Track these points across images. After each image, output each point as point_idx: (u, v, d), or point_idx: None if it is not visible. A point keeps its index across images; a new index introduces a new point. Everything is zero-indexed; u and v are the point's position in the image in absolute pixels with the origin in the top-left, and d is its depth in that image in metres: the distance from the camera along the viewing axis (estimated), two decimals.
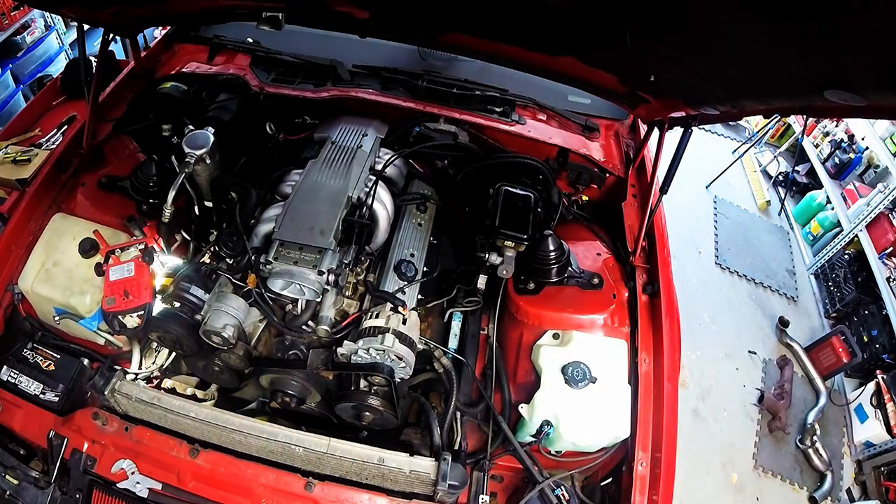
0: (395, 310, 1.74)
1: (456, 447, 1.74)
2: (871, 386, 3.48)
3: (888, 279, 3.70)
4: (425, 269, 1.98)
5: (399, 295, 1.79)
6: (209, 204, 2.07)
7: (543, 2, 1.40)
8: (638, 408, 1.72)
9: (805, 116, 4.41)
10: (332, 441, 1.62)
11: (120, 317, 1.75)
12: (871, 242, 3.93)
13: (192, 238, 2.06)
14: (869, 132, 4.28)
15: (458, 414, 1.78)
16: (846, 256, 4.26)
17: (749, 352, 3.92)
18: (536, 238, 1.91)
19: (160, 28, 3.22)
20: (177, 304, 1.78)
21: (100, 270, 1.79)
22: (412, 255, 1.95)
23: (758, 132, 5.44)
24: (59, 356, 1.81)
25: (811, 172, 5.03)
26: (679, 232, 4.42)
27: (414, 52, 2.49)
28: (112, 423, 1.66)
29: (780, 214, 5.10)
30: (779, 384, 3.72)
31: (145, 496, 1.60)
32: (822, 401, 3.62)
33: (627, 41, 1.40)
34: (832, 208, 4.50)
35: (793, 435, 3.51)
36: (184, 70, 2.37)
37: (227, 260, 1.83)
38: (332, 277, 1.69)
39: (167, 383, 1.99)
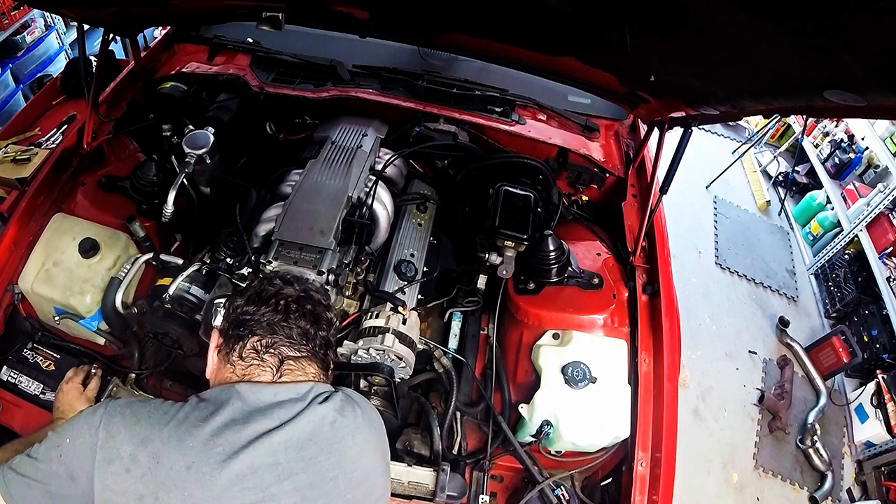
0: (395, 310, 1.74)
1: (456, 447, 1.75)
2: (871, 386, 3.47)
3: (888, 279, 3.69)
4: (425, 269, 1.98)
5: (399, 295, 1.79)
6: (209, 204, 2.08)
7: (543, 2, 1.40)
8: (638, 408, 1.72)
9: (805, 116, 4.40)
10: None
11: None
12: (871, 242, 3.92)
13: (192, 238, 2.06)
14: (869, 132, 4.27)
15: (458, 414, 1.78)
16: (846, 256, 4.26)
17: (749, 352, 3.92)
18: (536, 238, 1.91)
19: (160, 28, 3.22)
20: (177, 305, 1.78)
21: None
22: (412, 255, 1.95)
23: (758, 132, 5.43)
24: (59, 356, 1.81)
25: (811, 172, 5.03)
26: (679, 232, 4.42)
27: (414, 52, 2.49)
28: None
29: (780, 214, 5.10)
30: (779, 384, 3.71)
31: None
32: (823, 401, 3.61)
33: (627, 41, 1.40)
34: (832, 208, 4.50)
35: (793, 435, 3.50)
36: (184, 70, 2.36)
37: (227, 260, 1.83)
38: (331, 277, 1.69)
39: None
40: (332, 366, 1.21)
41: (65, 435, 0.99)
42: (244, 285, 1.72)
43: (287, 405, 1.04)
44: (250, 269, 1.76)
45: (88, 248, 1.80)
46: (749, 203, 5.20)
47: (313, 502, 1.00)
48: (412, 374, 1.75)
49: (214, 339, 1.18)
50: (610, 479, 1.80)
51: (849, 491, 3.34)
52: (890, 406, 3.28)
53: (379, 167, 2.07)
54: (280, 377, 1.09)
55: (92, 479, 0.94)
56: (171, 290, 1.72)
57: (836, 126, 4.84)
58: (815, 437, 3.41)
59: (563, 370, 1.70)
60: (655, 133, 2.02)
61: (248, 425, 0.99)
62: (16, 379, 1.77)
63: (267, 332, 1.10)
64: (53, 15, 4.32)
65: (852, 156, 4.55)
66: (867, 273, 3.95)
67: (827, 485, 3.28)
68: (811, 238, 4.67)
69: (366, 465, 1.09)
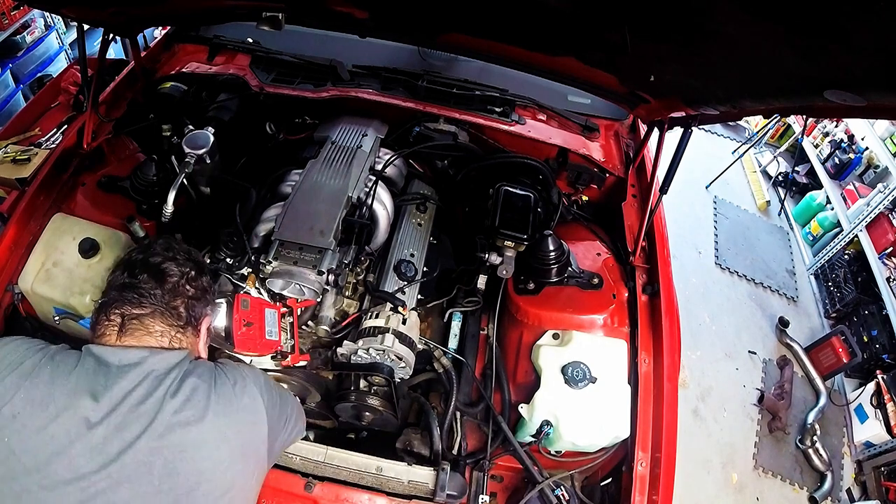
0: (394, 310, 1.74)
1: (456, 447, 1.75)
2: (871, 386, 3.47)
3: (888, 279, 3.70)
4: (425, 269, 1.98)
5: (399, 295, 1.79)
6: (209, 204, 2.08)
7: (543, 2, 1.40)
8: (638, 408, 1.72)
9: (805, 116, 4.41)
10: (329, 450, 1.62)
11: None
12: (871, 242, 3.93)
13: (192, 238, 2.06)
14: (869, 132, 4.27)
15: (458, 414, 1.78)
16: (846, 256, 4.26)
17: (749, 352, 3.92)
18: (536, 238, 1.91)
19: (160, 28, 3.22)
20: None
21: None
22: (412, 255, 1.96)
23: (758, 132, 5.43)
24: None
25: (811, 172, 5.03)
26: (679, 232, 4.42)
27: (414, 52, 2.49)
28: None
29: (780, 214, 5.10)
30: (779, 384, 3.72)
31: None
32: (822, 401, 3.61)
33: (627, 41, 1.40)
34: (832, 208, 4.50)
35: (793, 435, 3.50)
36: (184, 70, 2.36)
37: (227, 260, 1.83)
38: (331, 277, 1.69)
39: None
40: (190, 313, 1.19)
41: None
42: (244, 296, 1.70)
43: (124, 374, 1.04)
44: (250, 269, 1.77)
45: (88, 248, 1.80)
46: (749, 203, 5.20)
47: (122, 496, 0.99)
48: (412, 374, 1.75)
49: None
50: (610, 479, 1.80)
51: (848, 491, 3.34)
52: (889, 406, 3.28)
53: (379, 167, 2.07)
54: (124, 336, 1.11)
55: None
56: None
57: (836, 126, 4.84)
58: (815, 438, 3.41)
59: (563, 370, 1.70)
60: (655, 133, 2.02)
61: (83, 395, 1.00)
62: None
63: (116, 294, 1.13)
64: (53, 15, 4.32)
65: (852, 156, 4.55)
66: (867, 273, 3.95)
67: (826, 485, 3.28)
68: (811, 238, 4.67)
69: (200, 459, 1.04)
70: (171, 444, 1.02)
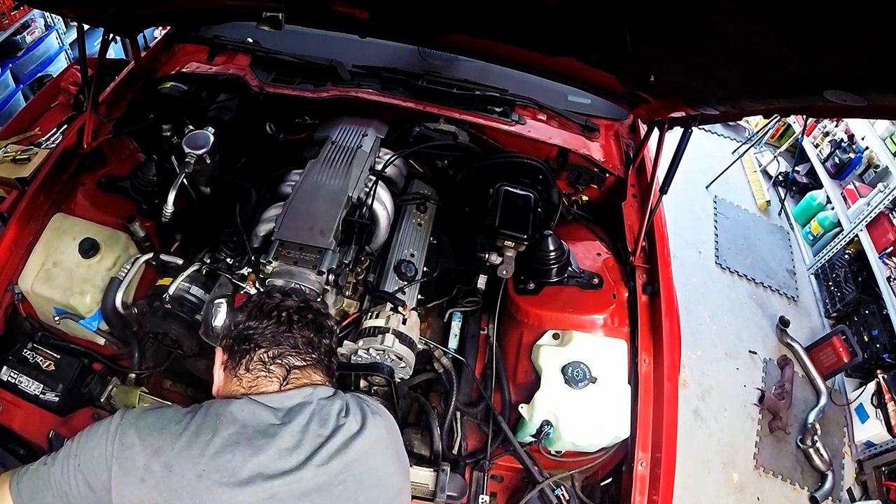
0: (395, 310, 1.74)
1: (456, 447, 1.75)
2: (871, 386, 3.47)
3: (888, 279, 3.69)
4: (425, 269, 1.98)
5: (399, 295, 1.79)
6: (209, 204, 2.08)
7: (543, 2, 1.40)
8: (638, 408, 1.72)
9: (805, 116, 4.40)
10: None
11: None
12: (872, 242, 3.92)
13: (192, 238, 2.06)
14: (869, 132, 4.27)
15: (458, 414, 1.78)
16: (846, 256, 4.26)
17: (749, 352, 3.92)
18: (536, 238, 1.91)
19: (160, 28, 3.22)
20: (177, 305, 1.78)
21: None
22: (412, 255, 1.96)
23: (758, 132, 5.43)
24: (59, 356, 1.81)
25: (811, 172, 5.02)
26: (679, 232, 4.42)
27: (414, 52, 2.49)
28: None
29: (780, 214, 5.10)
30: (779, 384, 3.71)
31: None
32: (823, 401, 3.61)
33: (627, 41, 1.40)
34: (832, 208, 4.50)
35: (793, 435, 3.50)
36: (184, 70, 2.37)
37: (227, 260, 1.83)
38: (331, 277, 1.69)
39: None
40: (335, 372, 1.24)
41: (81, 445, 1.04)
42: (245, 297, 1.70)
43: (295, 409, 1.08)
44: (250, 269, 1.76)
45: (88, 248, 1.80)
46: (749, 203, 5.19)
47: None
48: (412, 374, 1.75)
49: (219, 357, 1.21)
50: (610, 479, 1.80)
51: (849, 491, 3.34)
52: (890, 406, 3.28)
53: (379, 167, 2.07)
54: (287, 386, 1.13)
55: (110, 490, 0.99)
56: (171, 290, 1.72)
57: (836, 126, 4.83)
58: (816, 437, 3.41)
59: (563, 370, 1.70)
60: (655, 133, 2.02)
61: (264, 440, 1.03)
62: (16, 379, 1.77)
63: (272, 343, 1.13)
64: (53, 15, 4.32)
65: (852, 156, 4.55)
66: (867, 273, 3.95)
67: (827, 485, 3.28)
68: (811, 238, 4.67)
69: (376, 465, 1.11)
70: (353, 458, 1.07)
